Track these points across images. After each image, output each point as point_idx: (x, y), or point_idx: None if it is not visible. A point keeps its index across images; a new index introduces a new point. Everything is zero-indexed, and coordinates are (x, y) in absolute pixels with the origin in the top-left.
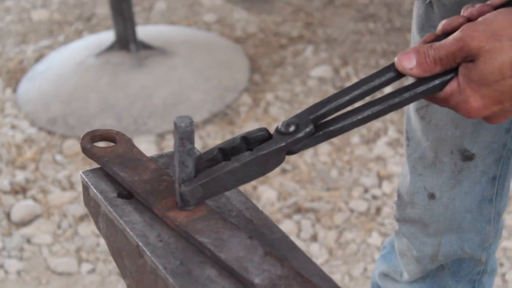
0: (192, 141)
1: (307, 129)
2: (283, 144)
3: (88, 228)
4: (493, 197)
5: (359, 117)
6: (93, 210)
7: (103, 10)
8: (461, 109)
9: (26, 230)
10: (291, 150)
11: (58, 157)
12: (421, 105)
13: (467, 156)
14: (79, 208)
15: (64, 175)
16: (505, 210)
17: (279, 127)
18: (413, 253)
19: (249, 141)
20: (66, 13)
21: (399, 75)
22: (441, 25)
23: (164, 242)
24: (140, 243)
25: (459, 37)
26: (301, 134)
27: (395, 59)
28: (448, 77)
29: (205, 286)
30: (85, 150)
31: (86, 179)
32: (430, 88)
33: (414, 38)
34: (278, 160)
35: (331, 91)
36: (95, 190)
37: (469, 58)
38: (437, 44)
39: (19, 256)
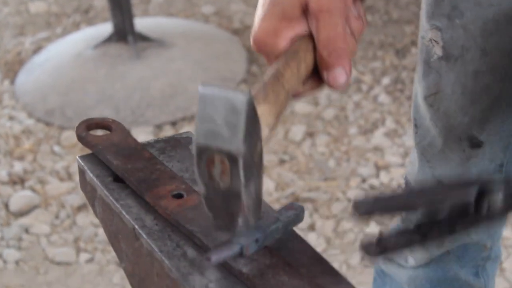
0: None
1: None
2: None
3: (86, 218)
4: None
5: None
6: (90, 194)
7: (101, 2)
8: None
9: (24, 220)
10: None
11: (56, 148)
12: (430, 93)
13: (476, 144)
14: (77, 199)
15: (62, 165)
16: None
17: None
18: None
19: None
20: (64, 5)
21: None
22: None
23: (160, 225)
24: (136, 226)
25: None
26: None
27: None
28: None
29: (201, 268)
30: (80, 138)
31: (83, 164)
32: None
33: (423, 26)
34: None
35: None
36: (91, 175)
37: None
38: None
39: (18, 246)
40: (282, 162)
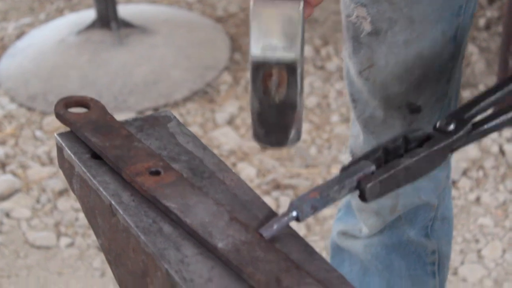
0: None
1: (466, 128)
2: (449, 141)
3: (67, 203)
4: None
5: (509, 116)
6: (67, 171)
7: None
8: None
9: (5, 204)
10: (452, 147)
11: (38, 133)
12: (363, 68)
13: (415, 109)
14: (58, 183)
15: (44, 150)
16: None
17: (438, 125)
18: (372, 207)
19: (409, 140)
20: None
21: None
22: None
23: (136, 201)
24: (113, 202)
25: None
26: (461, 133)
27: None
28: None
29: (177, 243)
30: (58, 116)
31: (61, 141)
32: None
33: (347, 5)
34: (444, 157)
35: (311, 70)
36: (69, 152)
37: None
38: None
39: None
40: (263, 148)
